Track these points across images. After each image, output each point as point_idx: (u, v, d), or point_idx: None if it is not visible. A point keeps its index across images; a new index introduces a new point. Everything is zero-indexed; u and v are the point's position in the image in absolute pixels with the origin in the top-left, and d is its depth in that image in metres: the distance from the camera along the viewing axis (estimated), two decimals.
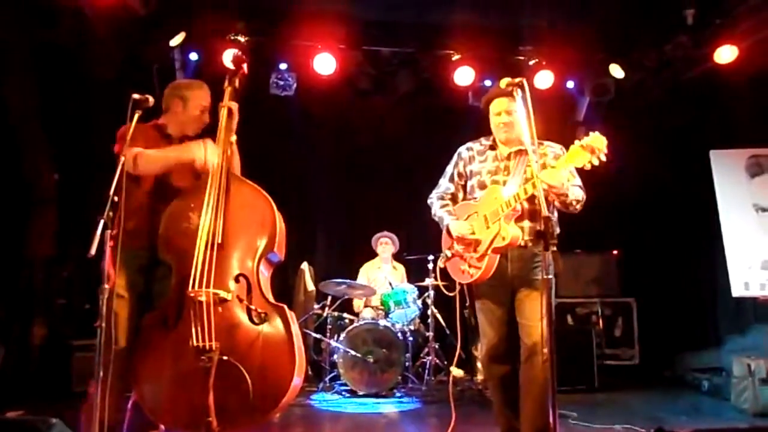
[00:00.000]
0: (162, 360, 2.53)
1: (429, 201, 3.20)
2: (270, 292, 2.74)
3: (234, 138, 2.94)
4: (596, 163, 2.59)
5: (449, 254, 3.01)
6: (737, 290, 4.59)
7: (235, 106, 2.97)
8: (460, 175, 3.13)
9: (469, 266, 2.91)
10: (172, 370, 2.51)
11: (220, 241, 2.62)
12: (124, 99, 2.67)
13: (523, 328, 2.84)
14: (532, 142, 2.54)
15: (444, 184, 3.20)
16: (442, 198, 3.16)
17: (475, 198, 3.01)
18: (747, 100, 5.17)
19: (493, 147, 3.05)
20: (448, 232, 3.02)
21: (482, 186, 3.00)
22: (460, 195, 3.15)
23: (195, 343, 2.51)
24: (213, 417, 2.41)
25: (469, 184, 3.09)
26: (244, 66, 3.10)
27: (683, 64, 5.46)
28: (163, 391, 2.52)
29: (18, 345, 5.00)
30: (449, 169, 3.18)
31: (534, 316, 2.72)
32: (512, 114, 2.87)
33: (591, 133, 2.61)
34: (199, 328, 2.51)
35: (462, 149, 3.16)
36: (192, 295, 2.54)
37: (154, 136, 2.90)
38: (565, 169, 2.68)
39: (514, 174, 2.91)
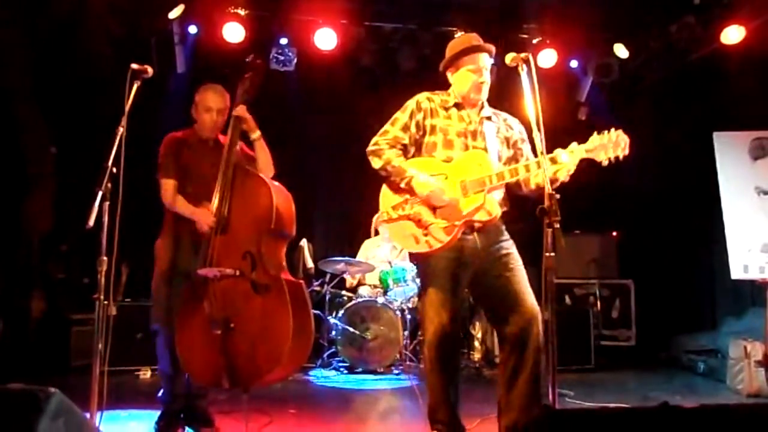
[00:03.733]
0: (192, 327, 2.94)
1: (373, 148, 2.75)
2: (279, 265, 3.03)
3: (258, 134, 3.14)
4: (612, 160, 2.49)
5: (395, 215, 2.66)
6: (736, 273, 4.59)
7: (242, 109, 3.11)
8: (417, 125, 2.75)
9: (426, 234, 2.59)
10: (198, 335, 2.91)
11: (224, 226, 2.96)
12: (122, 71, 2.65)
13: (517, 298, 2.61)
14: (537, 121, 2.48)
15: (394, 132, 2.75)
16: (393, 147, 2.73)
17: (436, 157, 2.71)
18: (753, 82, 5.11)
19: (458, 106, 2.78)
20: (408, 187, 2.65)
21: (449, 145, 2.71)
22: (412, 149, 2.78)
23: (207, 314, 2.87)
24: (225, 376, 2.81)
25: (428, 139, 2.74)
26: (258, 69, 3.22)
27: (689, 44, 5.39)
28: (193, 352, 2.94)
29: (17, 319, 5.00)
30: (402, 116, 2.77)
31: (527, 285, 2.63)
32: (489, 73, 2.73)
33: (614, 130, 2.51)
34: (210, 301, 2.88)
35: (421, 98, 2.79)
36: (202, 273, 2.88)
37: (192, 143, 3.16)
38: (576, 159, 2.52)
39: (490, 143, 2.71)
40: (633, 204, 6.38)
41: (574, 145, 2.55)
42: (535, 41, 5.64)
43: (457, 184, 2.62)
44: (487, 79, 2.75)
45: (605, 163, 2.50)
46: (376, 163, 2.75)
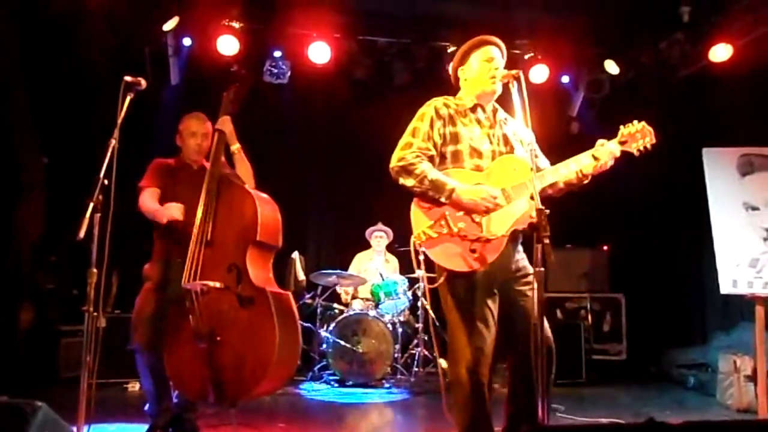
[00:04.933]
0: (178, 341, 2.93)
1: (401, 164, 2.52)
2: (265, 277, 3.02)
3: (237, 146, 3.16)
4: (642, 151, 2.62)
5: (434, 234, 2.45)
6: (725, 287, 4.61)
7: (224, 121, 3.14)
8: (440, 134, 2.59)
9: (474, 251, 2.42)
10: (185, 349, 2.90)
11: (209, 239, 2.95)
12: (115, 82, 2.66)
13: (527, 324, 2.45)
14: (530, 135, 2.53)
15: (418, 143, 2.55)
16: (423, 159, 2.53)
17: (464, 167, 2.56)
18: (741, 99, 5.19)
19: (474, 109, 2.66)
20: (452, 200, 2.46)
21: (476, 153, 2.57)
22: (437, 160, 2.59)
23: (193, 327, 2.86)
24: (211, 390, 2.81)
25: (452, 148, 2.58)
26: (243, 80, 3.25)
27: (678, 61, 5.47)
28: (180, 366, 2.93)
29: (5, 330, 4.95)
30: (422, 125, 2.58)
31: (534, 314, 2.43)
32: (501, 66, 2.66)
33: (637, 122, 2.64)
34: (195, 315, 2.86)
35: (438, 104, 2.63)
36: (187, 287, 2.87)
37: (179, 169, 3.20)
38: (607, 152, 2.59)
39: (515, 145, 2.63)
40: (623, 218, 6.42)
41: (601, 142, 2.63)
42: (526, 57, 5.70)
43: (498, 192, 2.50)
44: (500, 68, 2.66)
45: (636, 153, 2.61)
46: (407, 181, 2.51)
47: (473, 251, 2.43)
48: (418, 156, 2.53)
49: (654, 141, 2.64)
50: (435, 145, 2.58)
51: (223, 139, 3.12)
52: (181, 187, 3.11)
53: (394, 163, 2.56)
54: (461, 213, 2.48)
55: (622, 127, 2.65)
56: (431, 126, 2.59)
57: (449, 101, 2.69)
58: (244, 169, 3.17)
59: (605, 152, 2.58)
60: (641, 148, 2.62)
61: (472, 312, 2.48)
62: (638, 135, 2.62)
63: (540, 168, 2.64)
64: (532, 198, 2.41)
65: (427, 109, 2.64)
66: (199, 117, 3.22)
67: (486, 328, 2.49)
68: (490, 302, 2.51)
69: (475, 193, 2.45)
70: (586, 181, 2.65)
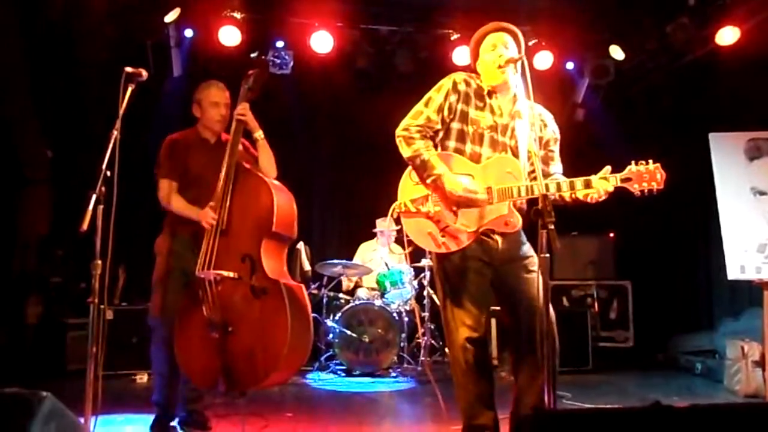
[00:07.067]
0: (190, 329, 2.93)
1: (403, 134, 2.58)
2: (279, 269, 2.99)
3: (260, 134, 3.12)
4: (646, 192, 2.42)
5: (413, 209, 2.55)
6: (733, 273, 4.59)
7: (244, 108, 3.08)
8: (450, 108, 2.58)
9: (444, 235, 2.50)
10: (196, 337, 2.90)
11: (224, 228, 2.93)
12: (117, 75, 2.65)
13: (530, 308, 2.46)
14: (531, 122, 2.49)
15: (427, 113, 2.58)
16: (425, 136, 2.58)
17: (464, 151, 2.57)
18: (748, 83, 5.12)
19: (491, 94, 2.61)
20: (435, 185, 2.51)
21: (478, 139, 2.57)
22: (440, 135, 2.62)
23: (205, 317, 2.85)
24: (222, 379, 2.79)
25: (458, 126, 2.59)
26: (263, 66, 3.24)
27: (684, 45, 5.40)
28: (191, 354, 2.93)
29: (13, 324, 4.99)
30: (437, 96, 2.59)
31: (538, 296, 2.44)
32: (510, 50, 2.57)
33: (651, 163, 2.45)
34: (208, 304, 2.86)
35: (458, 79, 2.61)
36: (201, 275, 2.87)
37: (193, 143, 3.15)
38: (609, 186, 2.44)
39: (521, 141, 2.56)
40: (630, 205, 6.37)
41: (607, 170, 2.47)
42: (530, 43, 5.64)
43: (483, 189, 2.51)
44: (506, 53, 2.58)
45: (637, 193, 2.44)
46: (404, 151, 2.59)
47: (443, 236, 2.52)
48: (420, 130, 2.58)
49: (661, 187, 2.44)
50: (443, 119, 2.59)
51: (241, 127, 3.07)
52: (196, 164, 3.09)
53: (399, 129, 2.62)
54: (442, 198, 2.53)
55: (633, 163, 2.46)
56: (445, 98, 2.59)
57: (472, 79, 2.66)
58: (266, 157, 3.14)
59: (600, 185, 2.44)
60: (645, 190, 2.44)
61: (461, 292, 2.54)
62: (646, 176, 2.44)
63: (549, 173, 2.61)
64: (513, 204, 2.48)
65: (446, 81, 2.64)
66: (219, 85, 3.17)
67: (476, 308, 2.54)
68: (480, 282, 2.55)
69: (457, 185, 2.48)
70: (578, 204, 2.55)
